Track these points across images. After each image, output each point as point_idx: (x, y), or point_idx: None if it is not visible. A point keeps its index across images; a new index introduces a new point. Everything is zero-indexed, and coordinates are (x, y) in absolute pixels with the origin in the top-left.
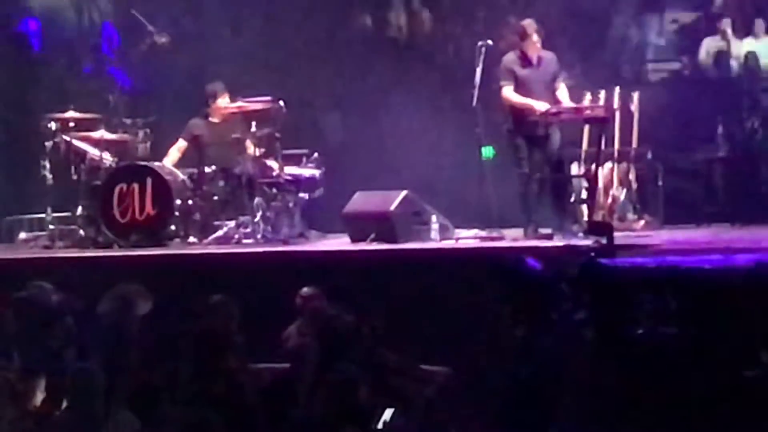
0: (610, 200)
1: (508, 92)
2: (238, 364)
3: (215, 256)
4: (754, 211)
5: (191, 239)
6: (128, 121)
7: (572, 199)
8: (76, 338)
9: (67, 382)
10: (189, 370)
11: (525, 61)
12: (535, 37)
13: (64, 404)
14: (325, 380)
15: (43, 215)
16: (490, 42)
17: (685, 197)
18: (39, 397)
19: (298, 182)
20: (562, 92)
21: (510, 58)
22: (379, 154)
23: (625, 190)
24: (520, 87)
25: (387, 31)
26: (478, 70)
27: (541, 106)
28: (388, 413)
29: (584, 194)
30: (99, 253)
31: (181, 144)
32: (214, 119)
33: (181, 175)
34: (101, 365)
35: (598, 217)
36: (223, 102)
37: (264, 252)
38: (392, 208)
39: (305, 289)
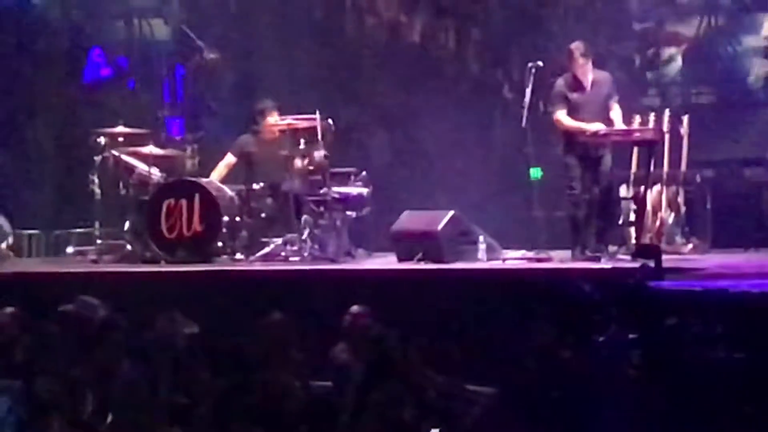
0: (658, 223)
1: (561, 116)
2: (286, 381)
3: (262, 273)
4: None
5: (238, 256)
6: (176, 136)
7: (620, 222)
8: (123, 352)
9: (115, 396)
10: (233, 385)
11: (576, 84)
12: (581, 60)
13: (110, 418)
14: (371, 399)
15: (91, 230)
16: (540, 63)
17: (733, 221)
18: (86, 410)
19: (345, 200)
20: (615, 113)
21: (561, 82)
22: (426, 174)
23: (673, 214)
24: (572, 110)
25: (435, 50)
26: (528, 91)
27: (593, 127)
28: None
29: (632, 217)
30: (146, 269)
31: (230, 159)
32: (264, 136)
33: (228, 192)
34: (148, 379)
35: (646, 239)
36: (272, 119)
37: (310, 270)
38: (440, 227)
39: (353, 308)
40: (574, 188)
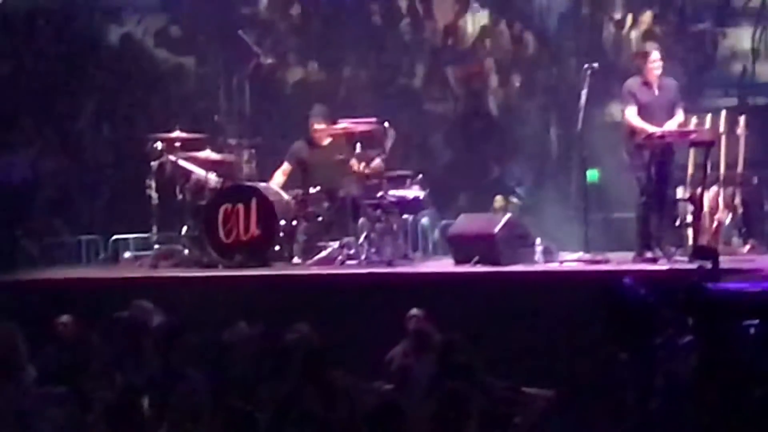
0: (715, 224)
1: (630, 114)
2: (345, 384)
3: (319, 277)
4: None
5: (295, 260)
6: (233, 141)
7: (677, 223)
8: (182, 358)
9: (172, 402)
10: (291, 391)
11: (645, 86)
12: (656, 63)
13: (167, 425)
14: (433, 402)
15: (148, 235)
16: (595, 65)
17: None
18: (142, 416)
19: (402, 204)
20: (677, 119)
21: (631, 82)
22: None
23: (730, 215)
24: (642, 111)
25: (489, 53)
26: (583, 93)
27: (655, 130)
28: None
29: (689, 218)
30: (203, 273)
31: (286, 167)
32: (315, 141)
33: (285, 196)
34: (207, 385)
35: (703, 241)
36: (319, 125)
37: (367, 273)
38: (496, 230)
39: (413, 311)
40: (642, 190)
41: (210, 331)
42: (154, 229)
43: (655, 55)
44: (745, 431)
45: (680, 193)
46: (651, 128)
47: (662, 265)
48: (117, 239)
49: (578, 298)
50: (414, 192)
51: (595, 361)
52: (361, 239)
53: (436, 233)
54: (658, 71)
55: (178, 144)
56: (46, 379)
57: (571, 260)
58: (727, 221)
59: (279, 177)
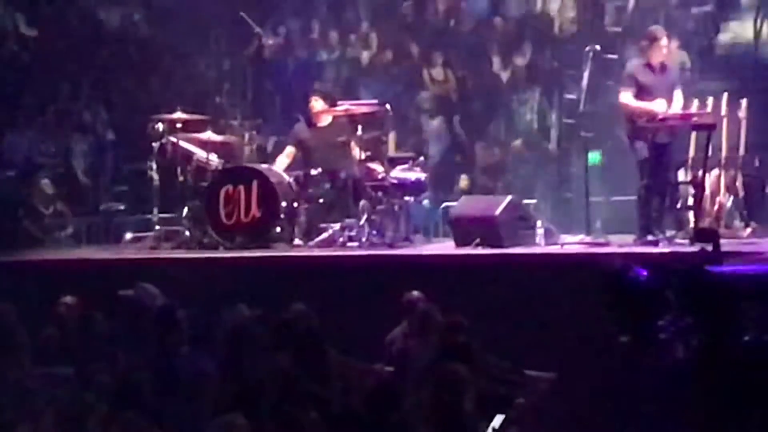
0: (716, 207)
1: (625, 98)
2: (343, 366)
3: (320, 258)
4: None
5: (296, 242)
6: (235, 123)
7: (679, 206)
8: (183, 339)
9: (173, 383)
10: (292, 371)
11: (649, 67)
12: (663, 41)
13: (169, 405)
14: (432, 384)
15: (149, 216)
16: (597, 47)
17: None
18: (144, 397)
19: (403, 186)
20: (676, 101)
21: (634, 63)
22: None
23: (732, 197)
24: (643, 93)
25: (490, 34)
26: (586, 75)
27: (659, 107)
28: (497, 420)
29: (691, 201)
30: (204, 255)
31: (290, 150)
32: (315, 122)
33: (286, 178)
34: (208, 366)
35: (705, 223)
36: (318, 105)
37: (368, 255)
38: (497, 212)
39: (413, 293)
40: (643, 173)
41: (210, 312)
42: (155, 210)
43: (664, 39)
44: (747, 414)
45: (682, 176)
46: (654, 105)
47: (663, 248)
48: (118, 220)
49: (579, 281)
50: (415, 174)
51: (595, 343)
52: (363, 221)
53: (437, 215)
54: (665, 54)
55: (179, 125)
56: (47, 359)
57: (572, 242)
58: (729, 204)
59: (283, 160)
